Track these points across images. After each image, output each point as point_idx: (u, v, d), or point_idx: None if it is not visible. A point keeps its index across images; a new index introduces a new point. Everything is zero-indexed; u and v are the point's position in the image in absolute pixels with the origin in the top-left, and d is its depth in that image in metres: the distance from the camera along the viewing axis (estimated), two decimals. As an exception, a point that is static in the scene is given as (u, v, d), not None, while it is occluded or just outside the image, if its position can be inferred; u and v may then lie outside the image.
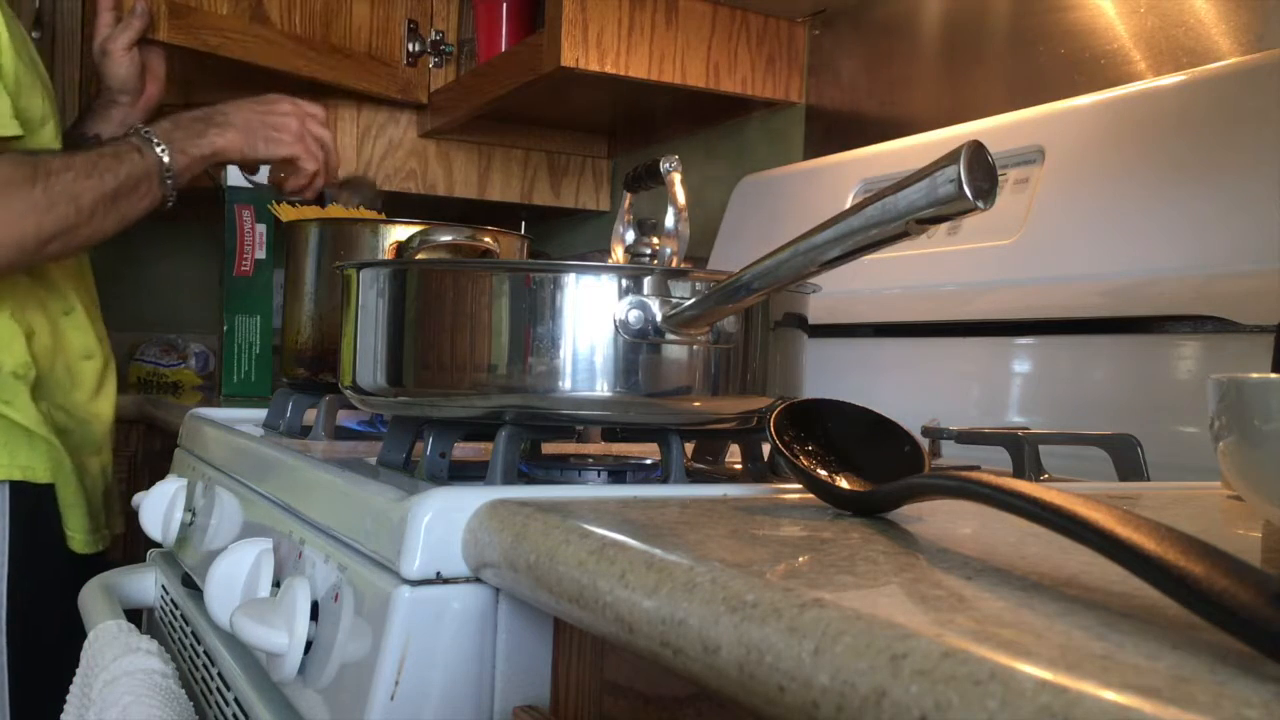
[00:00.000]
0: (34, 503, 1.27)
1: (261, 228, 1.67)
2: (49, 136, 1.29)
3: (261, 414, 1.09)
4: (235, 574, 0.72)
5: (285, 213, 1.38)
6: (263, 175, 1.68)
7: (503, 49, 1.72)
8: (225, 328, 1.73)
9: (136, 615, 1.07)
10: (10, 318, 1.25)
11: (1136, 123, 0.96)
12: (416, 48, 1.91)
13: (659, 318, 0.65)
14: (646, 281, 0.65)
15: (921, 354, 1.14)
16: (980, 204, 0.47)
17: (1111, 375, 0.94)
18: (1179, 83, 0.94)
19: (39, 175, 1.18)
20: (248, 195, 1.69)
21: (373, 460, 0.78)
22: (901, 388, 1.14)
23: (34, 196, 1.16)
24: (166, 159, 1.26)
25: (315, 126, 1.38)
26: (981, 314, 1.05)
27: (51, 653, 1.23)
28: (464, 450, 0.84)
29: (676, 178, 0.83)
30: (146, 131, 1.28)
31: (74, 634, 0.95)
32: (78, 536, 1.32)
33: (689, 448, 0.84)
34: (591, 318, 0.65)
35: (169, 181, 1.27)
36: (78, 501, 1.32)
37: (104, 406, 1.40)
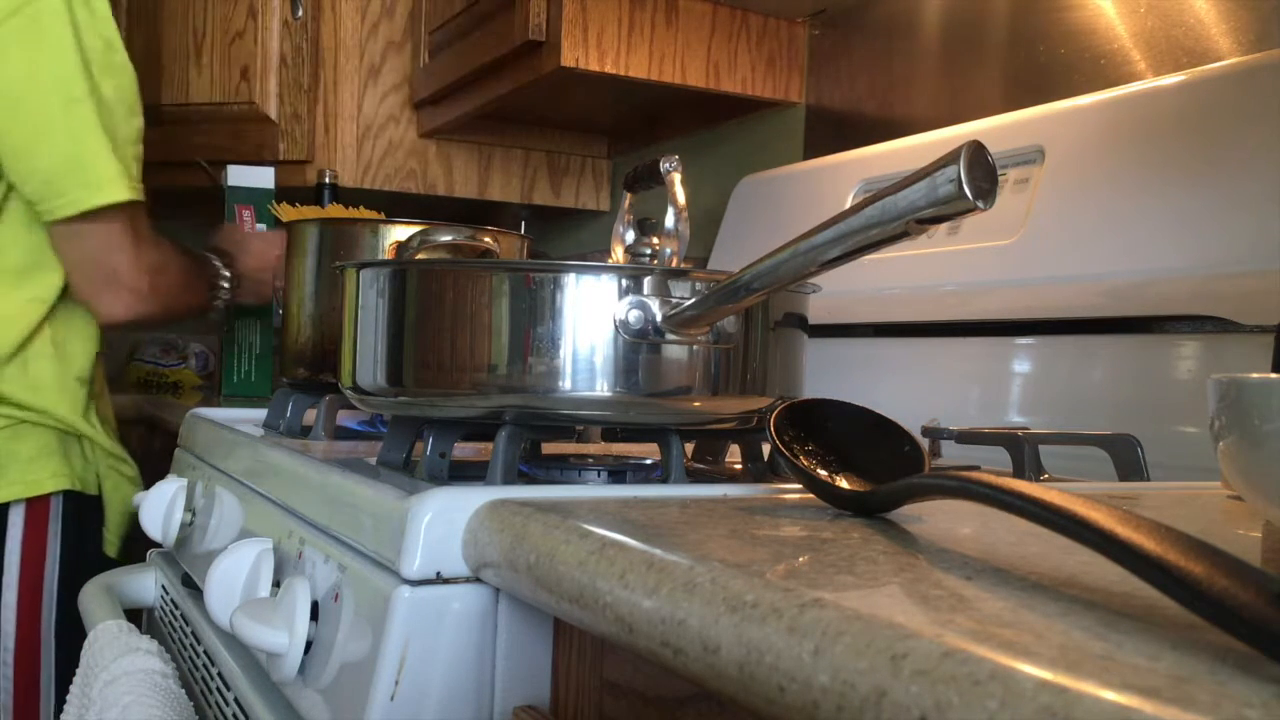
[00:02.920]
0: (80, 511, 1.32)
1: (262, 228, 1.67)
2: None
3: (261, 414, 1.09)
4: (235, 574, 0.72)
5: (285, 213, 1.38)
6: (265, 177, 1.68)
7: (503, 49, 1.71)
8: (225, 328, 1.72)
9: (136, 615, 1.07)
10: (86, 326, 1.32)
11: (1136, 123, 0.96)
12: (417, 48, 1.91)
13: (659, 318, 0.65)
14: (646, 281, 0.65)
15: (921, 354, 1.14)
16: (980, 204, 0.47)
17: (1111, 375, 0.94)
18: (1179, 83, 0.94)
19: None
20: (247, 195, 1.69)
21: (373, 460, 0.78)
22: (901, 388, 1.14)
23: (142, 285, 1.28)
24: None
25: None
26: (981, 314, 1.05)
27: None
28: (464, 450, 0.84)
29: (676, 178, 0.83)
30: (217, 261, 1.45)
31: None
32: (114, 540, 1.36)
33: (689, 448, 0.84)
34: (591, 318, 0.65)
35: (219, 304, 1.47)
36: (126, 508, 1.36)
37: (108, 408, 1.41)
